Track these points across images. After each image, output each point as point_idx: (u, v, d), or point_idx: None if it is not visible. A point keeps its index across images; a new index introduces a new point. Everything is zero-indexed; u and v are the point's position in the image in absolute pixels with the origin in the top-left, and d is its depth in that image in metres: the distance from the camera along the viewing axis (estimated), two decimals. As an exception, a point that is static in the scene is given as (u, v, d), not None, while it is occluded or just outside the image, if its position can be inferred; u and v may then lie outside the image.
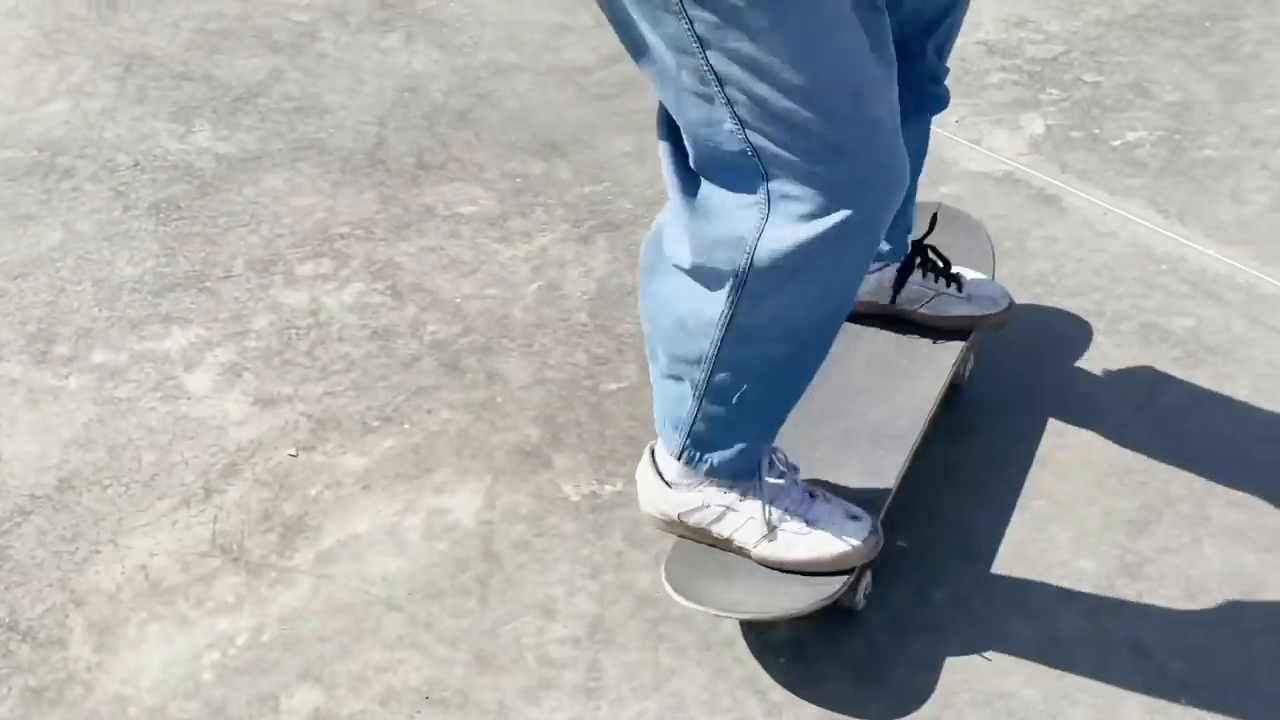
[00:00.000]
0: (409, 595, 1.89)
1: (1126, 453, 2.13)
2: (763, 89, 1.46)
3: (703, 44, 1.46)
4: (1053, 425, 2.17)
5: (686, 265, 1.62)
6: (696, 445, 1.76)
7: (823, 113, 1.48)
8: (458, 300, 2.39)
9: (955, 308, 2.15)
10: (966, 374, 2.24)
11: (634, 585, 1.91)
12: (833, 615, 1.86)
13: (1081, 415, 2.19)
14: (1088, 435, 2.15)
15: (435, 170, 2.71)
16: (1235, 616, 1.88)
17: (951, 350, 2.13)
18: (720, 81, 1.47)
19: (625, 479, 2.06)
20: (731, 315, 1.61)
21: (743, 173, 1.53)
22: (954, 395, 2.18)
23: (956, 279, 2.15)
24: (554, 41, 3.13)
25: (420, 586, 1.90)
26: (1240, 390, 2.24)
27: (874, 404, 2.04)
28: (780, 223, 1.53)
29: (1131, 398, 2.22)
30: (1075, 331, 2.34)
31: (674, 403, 1.75)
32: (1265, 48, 3.13)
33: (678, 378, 1.72)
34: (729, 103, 1.48)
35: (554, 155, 2.77)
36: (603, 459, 2.09)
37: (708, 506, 1.80)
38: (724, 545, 1.83)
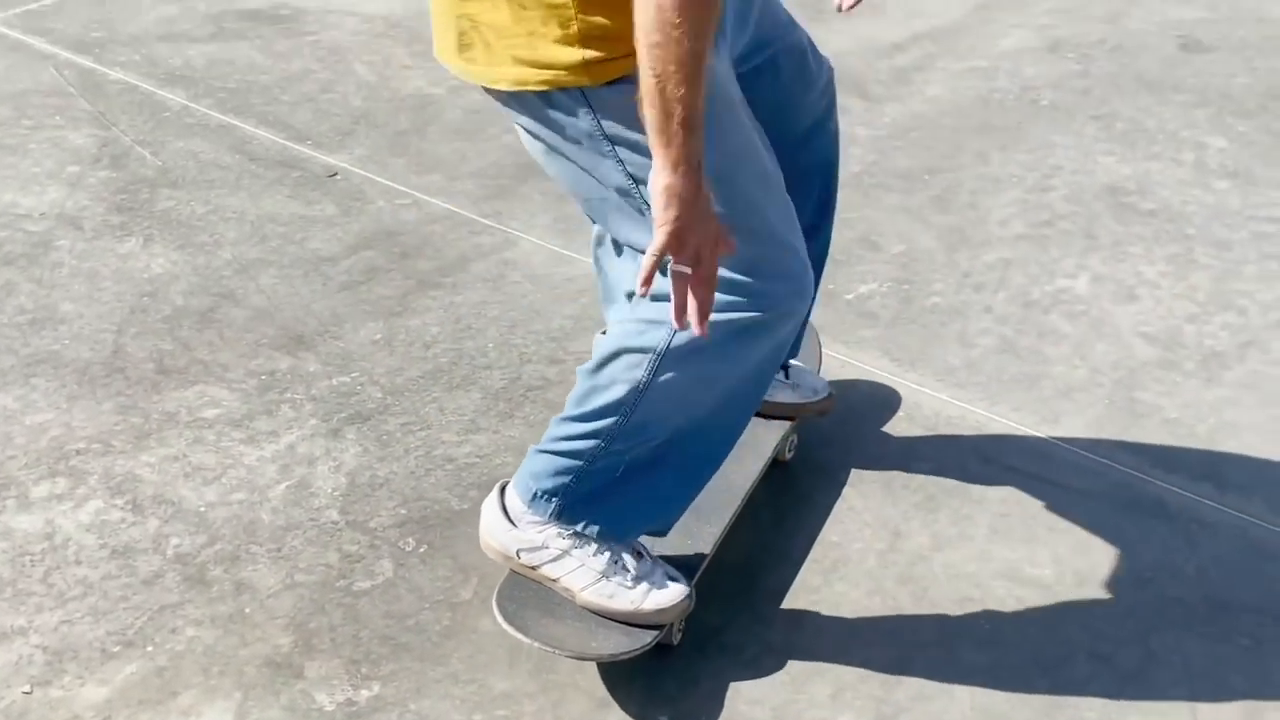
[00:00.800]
0: (154, 832, 1.79)
1: (876, 602, 2.18)
2: None
3: (636, 181, 1.70)
4: (804, 581, 2.21)
5: (621, 344, 1.84)
6: (567, 502, 1.94)
7: (746, 233, 1.68)
8: (202, 509, 2.33)
9: (781, 394, 2.35)
10: (789, 451, 2.45)
11: (394, 793, 1.85)
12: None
13: (830, 568, 2.24)
14: (838, 588, 2.20)
15: (177, 375, 2.66)
16: (987, 758, 1.93)
17: (774, 433, 2.36)
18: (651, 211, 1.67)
19: (382, 681, 2.01)
20: (648, 382, 1.81)
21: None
22: (778, 469, 2.41)
23: (784, 368, 2.35)
24: (298, 234, 3.12)
25: (166, 821, 1.81)
26: (979, 529, 2.32)
27: None
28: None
29: (877, 546, 2.28)
30: (821, 485, 2.41)
31: (552, 466, 1.93)
32: (980, 196, 3.33)
33: (570, 447, 1.90)
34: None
35: (301, 348, 2.75)
36: (357, 663, 2.04)
37: (546, 548, 1.98)
38: (552, 585, 2.00)
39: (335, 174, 3.38)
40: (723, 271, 1.67)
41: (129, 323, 2.81)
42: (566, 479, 1.92)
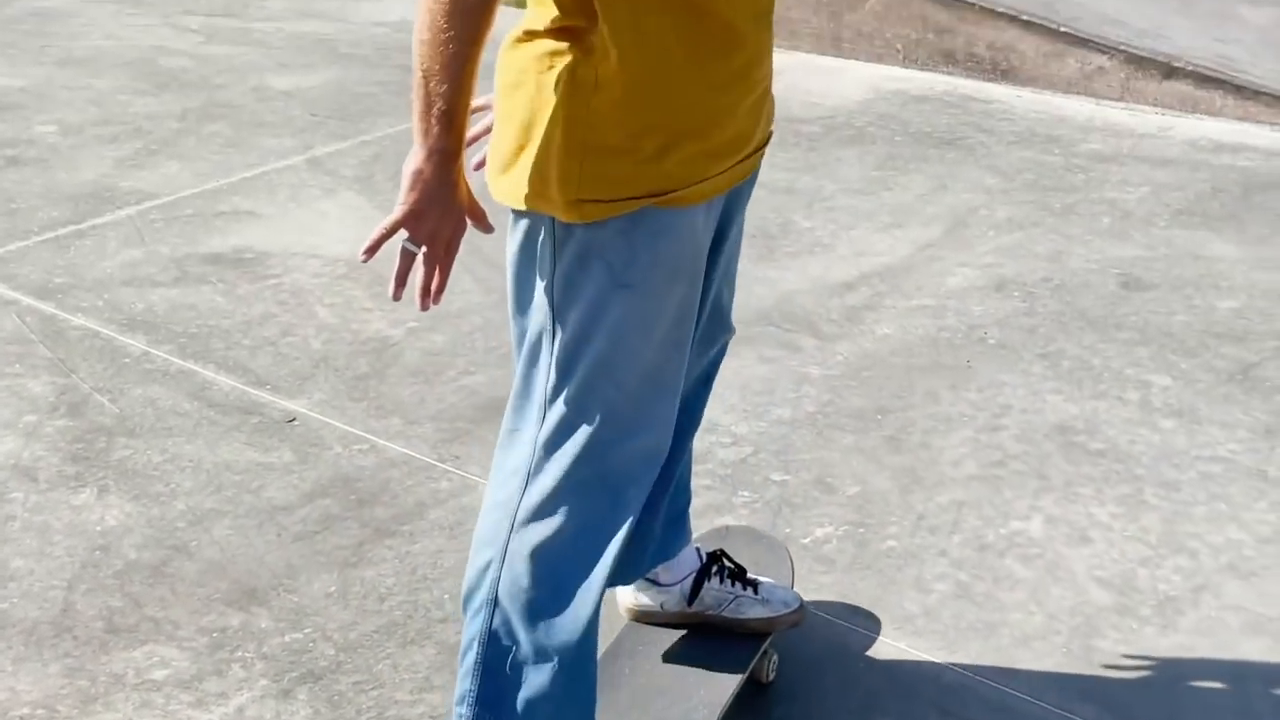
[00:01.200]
0: None
1: None
2: (585, 352, 1.77)
3: (555, 308, 1.77)
4: None
5: (491, 499, 1.92)
6: (476, 710, 1.95)
7: (617, 385, 1.79)
8: (146, 779, 2.27)
9: (752, 610, 2.43)
10: (770, 672, 2.49)
11: None
12: None
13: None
14: None
15: (126, 633, 2.62)
16: None
17: (749, 649, 2.39)
18: (554, 340, 1.78)
19: None
20: (507, 539, 1.87)
21: (528, 411, 1.86)
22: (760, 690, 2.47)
23: (753, 584, 2.44)
24: (253, 482, 3.12)
25: None
26: (941, 788, 2.29)
27: (674, 701, 2.25)
28: (543, 462, 1.84)
29: (838, 809, 2.25)
30: (780, 743, 2.38)
31: (462, 670, 1.95)
32: (933, 436, 3.38)
33: (468, 634, 1.94)
34: (552, 354, 1.80)
35: (253, 603, 2.72)
36: None
37: None
38: None
39: (293, 419, 3.40)
40: (592, 422, 1.80)
41: (79, 579, 2.78)
42: (469, 684, 1.95)
